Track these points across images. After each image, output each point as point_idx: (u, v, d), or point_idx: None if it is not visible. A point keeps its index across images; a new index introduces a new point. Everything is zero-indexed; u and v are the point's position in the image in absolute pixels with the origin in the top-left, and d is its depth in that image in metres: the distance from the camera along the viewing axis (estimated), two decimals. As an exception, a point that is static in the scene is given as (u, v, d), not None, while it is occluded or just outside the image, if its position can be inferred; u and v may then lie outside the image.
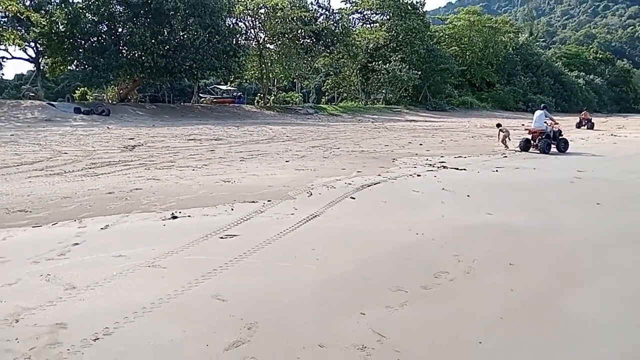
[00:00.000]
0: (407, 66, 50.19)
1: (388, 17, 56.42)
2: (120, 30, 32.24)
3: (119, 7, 32.01)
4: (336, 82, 55.67)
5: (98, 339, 3.18)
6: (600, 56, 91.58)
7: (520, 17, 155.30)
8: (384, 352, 3.18)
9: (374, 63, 50.98)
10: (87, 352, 3.03)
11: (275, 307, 3.79)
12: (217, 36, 33.53)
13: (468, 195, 8.50)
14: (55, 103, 30.14)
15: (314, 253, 5.10)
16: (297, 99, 50.12)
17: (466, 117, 47.16)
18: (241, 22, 41.84)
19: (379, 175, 10.61)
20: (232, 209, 6.90)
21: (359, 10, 58.35)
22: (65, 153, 13.01)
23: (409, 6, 55.50)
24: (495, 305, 4.01)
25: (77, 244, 5.26)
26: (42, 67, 34.93)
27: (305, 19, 41.22)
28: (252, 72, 44.65)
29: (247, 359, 3.01)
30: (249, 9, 40.94)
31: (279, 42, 43.25)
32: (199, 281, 4.21)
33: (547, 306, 4.10)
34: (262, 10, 41.67)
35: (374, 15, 58.75)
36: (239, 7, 38.83)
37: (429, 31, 59.35)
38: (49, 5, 30.87)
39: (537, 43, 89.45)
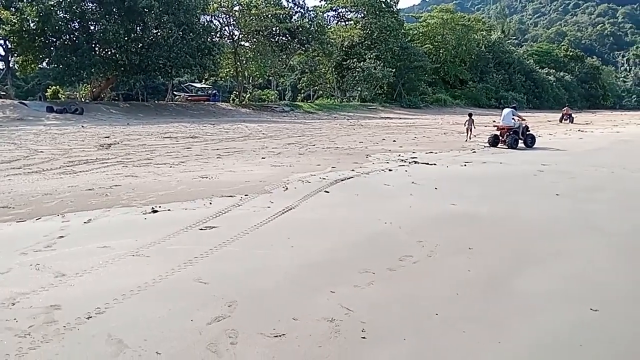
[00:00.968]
0: (382, 64, 50.85)
1: (362, 15, 57.00)
2: (92, 28, 31.95)
3: (91, 4, 31.74)
4: (312, 80, 56.01)
5: (91, 317, 3.48)
6: (571, 54, 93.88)
7: (493, 15, 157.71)
8: (350, 323, 3.56)
9: (349, 61, 51.51)
10: (82, 328, 3.33)
11: (253, 287, 4.14)
12: (191, 34, 33.51)
13: (435, 188, 8.96)
14: (27, 102, 29.76)
15: (289, 241, 5.46)
16: (273, 97, 50.32)
17: (439, 114, 48.00)
18: (216, 19, 41.88)
19: (353, 170, 11.01)
20: (211, 203, 7.21)
21: (333, 8, 58.79)
22: (42, 152, 13.07)
23: (382, 4, 56.18)
24: (452, 283, 4.43)
25: (62, 236, 5.51)
26: (12, 66, 34.40)
27: (280, 16, 41.48)
28: (227, 69, 44.70)
29: (228, 330, 3.36)
30: (224, 7, 41.02)
31: (254, 39, 43.39)
32: (181, 267, 4.52)
33: (500, 284, 4.54)
34: (237, 8, 41.80)
35: (349, 13, 59.27)
36: (213, 4, 38.84)
37: (403, 29, 60.13)
38: (19, 3, 30.44)
39: (509, 41, 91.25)
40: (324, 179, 9.57)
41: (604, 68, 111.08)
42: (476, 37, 68.47)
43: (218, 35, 41.33)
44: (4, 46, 32.83)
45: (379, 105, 52.63)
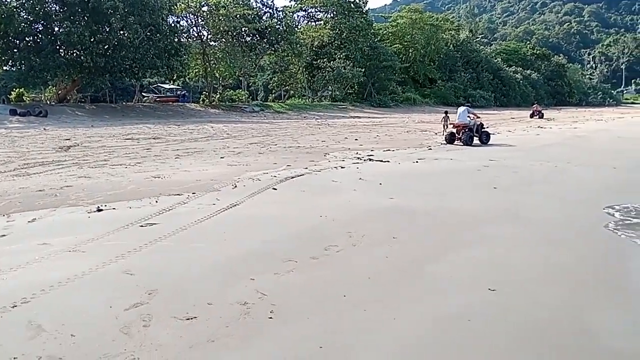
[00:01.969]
0: (351, 64, 51.29)
1: (332, 15, 57.36)
2: (57, 29, 31.59)
3: (55, 5, 31.38)
4: (282, 80, 56.15)
5: (16, 306, 3.72)
6: (537, 52, 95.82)
7: (463, 14, 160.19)
8: (261, 305, 3.88)
9: (319, 60, 51.80)
10: (5, 315, 3.57)
11: (177, 277, 4.43)
12: (158, 35, 33.41)
13: (380, 184, 9.35)
14: (-10, 105, 29.32)
15: (224, 235, 5.75)
16: (243, 97, 50.32)
17: (408, 113, 48.69)
18: (184, 20, 41.77)
19: (306, 168, 11.33)
20: (157, 202, 7.44)
21: (303, 8, 59.00)
22: (-2, 154, 13.06)
23: (352, 4, 56.60)
24: (367, 269, 4.78)
25: (4, 235, 5.69)
26: (-27, 68, 33.78)
27: (249, 17, 41.54)
28: (196, 70, 44.61)
29: (144, 315, 3.63)
30: (192, 7, 40.92)
31: (223, 40, 43.37)
32: (112, 261, 4.77)
33: (413, 269, 4.91)
34: (205, 8, 41.74)
35: (319, 13, 59.56)
36: (180, 5, 38.74)
37: (372, 29, 60.66)
38: (-20, 4, 29.94)
39: (477, 40, 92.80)
40: (275, 176, 9.86)
41: (570, 66, 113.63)
42: (445, 36, 69.50)
43: (186, 35, 41.24)
44: (-35, 48, 32.15)
45: (349, 105, 53.05)
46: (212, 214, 6.72)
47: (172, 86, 47.22)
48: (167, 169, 10.83)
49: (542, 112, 45.62)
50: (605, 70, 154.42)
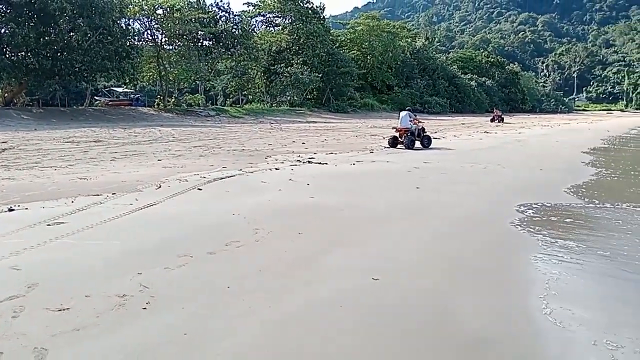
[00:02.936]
0: (309, 69, 51.64)
1: (290, 20, 57.65)
2: (1, 30, 30.71)
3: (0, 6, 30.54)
4: (240, 85, 55.97)
5: None
6: (492, 60, 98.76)
7: (422, 22, 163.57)
8: (140, 297, 3.98)
9: (276, 66, 51.93)
10: None
11: (63, 272, 4.48)
12: (109, 37, 32.89)
13: (308, 184, 9.54)
14: None
15: (128, 233, 5.80)
16: (200, 101, 49.93)
17: (365, 119, 49.34)
18: (137, 22, 41.22)
19: (241, 170, 11.42)
20: (72, 202, 7.40)
21: (262, 13, 59.09)
22: None
23: (309, 10, 57.06)
24: (261, 263, 4.93)
25: None
26: None
27: (204, 20, 41.34)
28: (151, 73, 44.05)
29: (16, 307, 3.68)
30: (145, 10, 40.43)
31: (179, 43, 43.00)
32: (4, 257, 4.76)
33: (308, 261, 5.09)
34: (160, 11, 41.31)
35: (277, 18, 59.75)
36: (133, 7, 38.25)
37: (330, 35, 61.26)
38: None
39: (434, 47, 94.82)
40: (205, 177, 9.92)
41: (523, 73, 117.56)
42: (402, 44, 70.79)
43: (139, 39, 40.70)
44: None
45: (307, 110, 53.32)
46: (125, 213, 6.74)
47: (126, 90, 46.46)
48: (98, 171, 10.73)
49: (502, 116, 49.14)
50: (558, 78, 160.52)
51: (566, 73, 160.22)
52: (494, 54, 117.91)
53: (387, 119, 46.72)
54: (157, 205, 7.34)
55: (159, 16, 41.23)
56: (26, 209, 6.93)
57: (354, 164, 13.22)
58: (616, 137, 30.82)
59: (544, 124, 45.21)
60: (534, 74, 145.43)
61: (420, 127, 18.71)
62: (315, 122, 41.88)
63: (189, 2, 40.76)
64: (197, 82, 52.14)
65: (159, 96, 45.80)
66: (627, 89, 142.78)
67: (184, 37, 41.75)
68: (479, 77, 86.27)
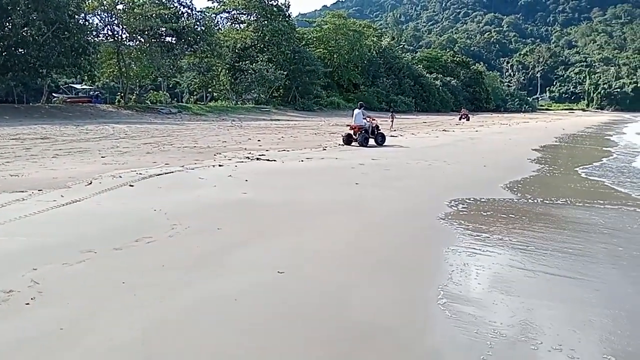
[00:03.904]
0: (274, 66, 51.44)
1: (255, 17, 57.37)
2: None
3: (-51, -1, 29.48)
4: (204, 82, 55.39)
5: None
6: (457, 59, 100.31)
7: (390, 22, 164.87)
8: (26, 292, 3.89)
9: (241, 63, 51.57)
10: None
11: (-47, 269, 4.33)
12: (65, 32, 32.11)
13: (246, 180, 9.49)
14: None
15: (38, 230, 5.66)
16: (163, 98, 49.22)
17: (330, 117, 49.42)
18: (96, 18, 40.38)
19: (183, 166, 11.29)
20: (-8, 198, 7.19)
21: (226, 10, 58.63)
22: None
23: (274, 8, 56.86)
24: (166, 258, 4.88)
25: None
26: None
27: (166, 16, 40.74)
28: (111, 70, 43.20)
29: None
30: (105, 5, 39.64)
31: (140, 39, 42.31)
32: None
33: (217, 255, 5.06)
34: (120, 7, 40.56)
35: (242, 15, 59.37)
36: (92, 2, 37.47)
37: (296, 33, 61.19)
38: None
39: (400, 46, 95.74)
40: (140, 174, 9.76)
41: (488, 73, 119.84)
42: (368, 42, 71.22)
43: (100, 34, 39.92)
44: None
45: (272, 108, 53.09)
46: (45, 209, 6.58)
47: (84, 87, 45.46)
48: (34, 168, 10.46)
49: (469, 115, 52.41)
50: (522, 78, 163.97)
51: (530, 73, 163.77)
52: (461, 53, 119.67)
53: (351, 117, 46.93)
54: (81, 202, 7.19)
55: (119, 12, 40.49)
56: (-62, 206, 6.70)
57: (302, 161, 13.23)
58: (570, 135, 31.70)
59: (503, 123, 46.15)
60: (499, 73, 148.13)
61: (374, 124, 18.85)
62: (279, 120, 41.74)
63: (151, -3, 40.15)
64: (160, 79, 51.35)
65: (119, 93, 44.98)
66: (588, 89, 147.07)
67: (145, 33, 41.13)
68: (445, 76, 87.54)
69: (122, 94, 43.18)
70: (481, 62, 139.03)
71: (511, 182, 10.72)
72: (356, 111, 18.94)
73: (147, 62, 42.67)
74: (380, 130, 19.28)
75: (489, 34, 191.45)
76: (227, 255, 5.08)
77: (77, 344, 3.20)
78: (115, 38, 41.96)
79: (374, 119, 19.27)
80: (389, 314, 3.95)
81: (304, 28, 70.46)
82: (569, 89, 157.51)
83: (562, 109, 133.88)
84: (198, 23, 44.13)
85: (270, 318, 3.77)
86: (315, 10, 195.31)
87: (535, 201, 8.79)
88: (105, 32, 41.33)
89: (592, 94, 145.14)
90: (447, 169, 12.65)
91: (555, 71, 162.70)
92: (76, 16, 34.25)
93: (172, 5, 43.12)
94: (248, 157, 13.63)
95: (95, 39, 37.90)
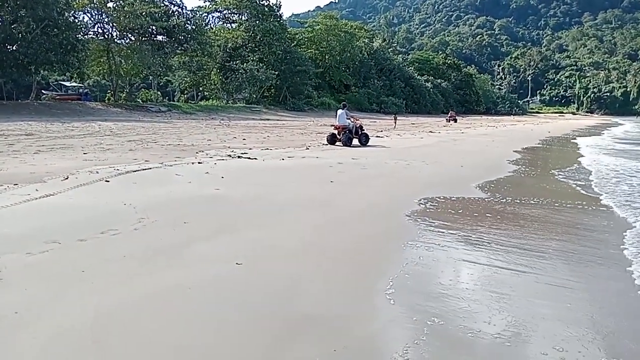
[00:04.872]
0: (265, 66, 51.56)
1: (246, 17, 57.45)
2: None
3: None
4: (195, 81, 55.42)
5: None
6: (448, 62, 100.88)
7: (383, 23, 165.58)
8: (-16, 280, 4.02)
9: (232, 62, 51.64)
10: None
11: None
12: (55, 29, 32.08)
13: (222, 177, 9.64)
14: None
15: (6, 221, 5.79)
16: (153, 97, 49.18)
17: (320, 117, 49.59)
18: (87, 15, 40.36)
19: (162, 163, 11.41)
20: (-34, 191, 7.30)
21: (218, 9, 58.69)
22: None
23: (265, 8, 56.99)
24: (129, 249, 5.02)
25: None
26: None
27: (156, 14, 40.77)
28: (100, 68, 43.17)
29: None
30: (96, 3, 39.64)
31: (130, 37, 42.32)
32: None
33: (178, 248, 5.20)
34: (110, 4, 40.58)
35: (233, 15, 59.45)
36: (83, 0, 37.52)
37: (287, 33, 61.31)
38: None
39: (392, 48, 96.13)
40: (117, 170, 9.88)
41: (479, 76, 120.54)
42: (359, 44, 71.49)
43: (90, 32, 39.92)
44: None
45: (263, 108, 53.18)
46: (16, 203, 6.70)
47: (74, 84, 45.36)
48: (14, 163, 10.54)
49: (456, 117, 53.81)
50: (513, 81, 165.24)
51: (521, 76, 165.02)
52: (452, 56, 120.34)
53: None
54: (55, 196, 7.30)
55: (109, 9, 40.50)
56: None
57: (283, 160, 13.37)
58: (554, 137, 32.10)
59: (491, 125, 46.51)
60: (490, 76, 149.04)
61: (358, 124, 19.04)
62: (268, 119, 41.83)
63: (141, -5, 40.14)
64: (150, 77, 51.32)
65: (109, 91, 44.95)
66: (578, 92, 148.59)
67: (136, 31, 41.14)
68: (436, 78, 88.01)
69: (112, 92, 43.17)
70: (473, 65, 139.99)
71: (485, 182, 10.93)
72: (339, 111, 19.14)
73: (137, 60, 42.61)
74: (364, 130, 19.47)
75: (480, 37, 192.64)
76: (188, 248, 5.23)
77: (27, 327, 3.35)
78: (106, 36, 41.91)
79: (358, 119, 19.47)
80: (336, 304, 4.12)
81: (296, 29, 70.61)
82: (560, 92, 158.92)
83: (553, 112, 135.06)
84: (189, 22, 44.17)
85: (222, 307, 3.92)
86: (309, 10, 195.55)
87: (504, 200, 8.99)
88: (95, 29, 41.35)
89: (582, 97, 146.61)
90: (424, 168, 12.85)
91: (546, 74, 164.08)
92: (65, 13, 34.19)
93: (162, 4, 43.14)
94: (230, 155, 13.75)
95: (85, 36, 37.85)
